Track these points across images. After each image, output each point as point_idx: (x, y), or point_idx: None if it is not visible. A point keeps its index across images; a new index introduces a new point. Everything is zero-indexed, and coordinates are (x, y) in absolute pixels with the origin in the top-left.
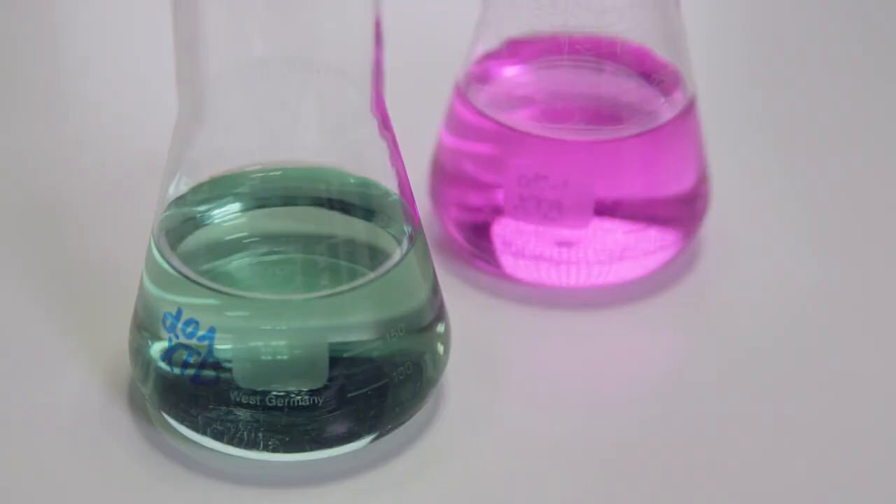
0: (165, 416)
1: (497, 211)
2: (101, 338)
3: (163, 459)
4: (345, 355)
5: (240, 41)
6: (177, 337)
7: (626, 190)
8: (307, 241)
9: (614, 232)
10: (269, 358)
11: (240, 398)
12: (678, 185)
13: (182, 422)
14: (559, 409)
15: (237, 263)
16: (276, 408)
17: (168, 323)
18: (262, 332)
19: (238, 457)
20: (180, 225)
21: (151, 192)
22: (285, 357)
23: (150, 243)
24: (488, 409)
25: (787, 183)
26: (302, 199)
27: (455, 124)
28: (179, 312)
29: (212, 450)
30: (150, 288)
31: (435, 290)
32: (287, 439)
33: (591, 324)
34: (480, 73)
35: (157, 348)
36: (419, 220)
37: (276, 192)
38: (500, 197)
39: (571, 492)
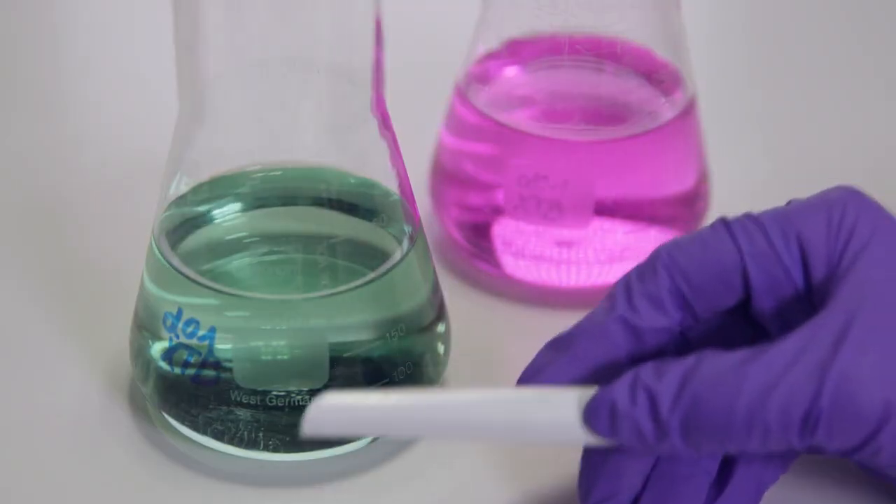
0: (166, 415)
1: (497, 211)
2: (101, 338)
3: (163, 459)
4: (345, 355)
5: (240, 41)
6: (177, 337)
7: (627, 190)
8: (307, 241)
9: (614, 232)
10: (270, 358)
11: (240, 398)
12: (678, 185)
13: (182, 421)
14: None
15: (237, 263)
16: (276, 408)
17: (168, 323)
18: (262, 331)
19: (238, 457)
20: (181, 225)
21: (151, 192)
22: (286, 357)
23: (150, 243)
24: None
25: (787, 183)
26: (302, 199)
27: (455, 124)
28: (180, 312)
29: (212, 450)
30: (151, 288)
31: (435, 290)
32: (287, 439)
33: None
34: (480, 73)
35: (157, 348)
36: (419, 220)
37: (276, 192)
38: (500, 197)
39: (571, 492)
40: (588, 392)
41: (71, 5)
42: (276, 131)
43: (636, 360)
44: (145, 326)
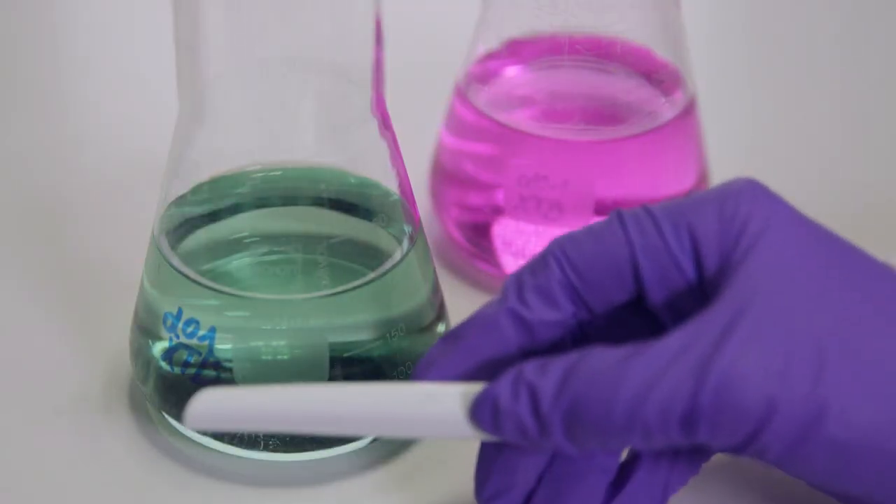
0: (166, 415)
1: (497, 211)
2: (101, 338)
3: (163, 459)
4: (345, 355)
5: (240, 41)
6: (177, 337)
7: (627, 190)
8: (307, 241)
9: None
10: (270, 358)
11: None
12: (678, 184)
13: (183, 421)
14: None
15: (237, 263)
16: None
17: (169, 323)
18: (262, 331)
19: (238, 457)
20: (180, 225)
21: (151, 192)
22: (286, 357)
23: (150, 243)
24: None
25: (787, 183)
26: (302, 199)
27: (455, 124)
28: (180, 312)
29: (212, 449)
30: (151, 288)
31: (435, 290)
32: (287, 439)
33: None
34: (481, 73)
35: (157, 348)
36: (419, 220)
37: (276, 192)
38: (500, 197)
39: None
40: (475, 388)
41: (71, 5)
42: (276, 131)
43: (529, 354)
44: (145, 326)
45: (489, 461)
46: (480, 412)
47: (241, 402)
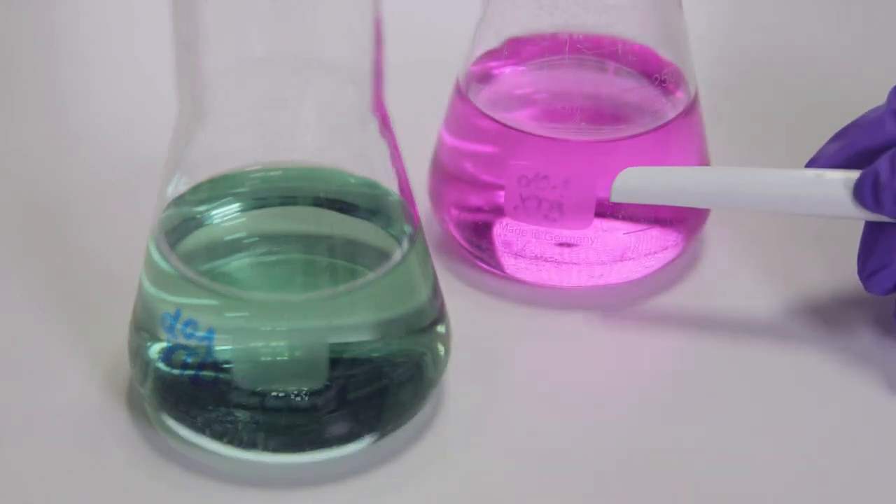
0: (164, 416)
1: (498, 211)
2: (101, 338)
3: (162, 460)
4: (345, 356)
5: (240, 41)
6: (175, 337)
7: None
8: (307, 242)
9: (615, 232)
10: (269, 358)
11: (239, 399)
12: None
13: (181, 422)
14: (559, 409)
15: (237, 263)
16: (275, 409)
17: (167, 323)
18: (261, 332)
19: (238, 458)
20: (180, 225)
21: (151, 192)
22: (285, 358)
23: (149, 243)
24: (488, 410)
25: None
26: (302, 199)
27: (455, 124)
28: (178, 313)
29: (211, 451)
30: (149, 288)
31: (435, 290)
32: (287, 440)
33: (591, 324)
34: (481, 73)
35: (156, 349)
36: (419, 221)
37: (276, 192)
38: (500, 197)
39: (571, 492)
40: (857, 173)
41: (71, 5)
42: (276, 131)
43: None
44: (144, 327)
45: (871, 242)
46: (862, 188)
47: (657, 179)
